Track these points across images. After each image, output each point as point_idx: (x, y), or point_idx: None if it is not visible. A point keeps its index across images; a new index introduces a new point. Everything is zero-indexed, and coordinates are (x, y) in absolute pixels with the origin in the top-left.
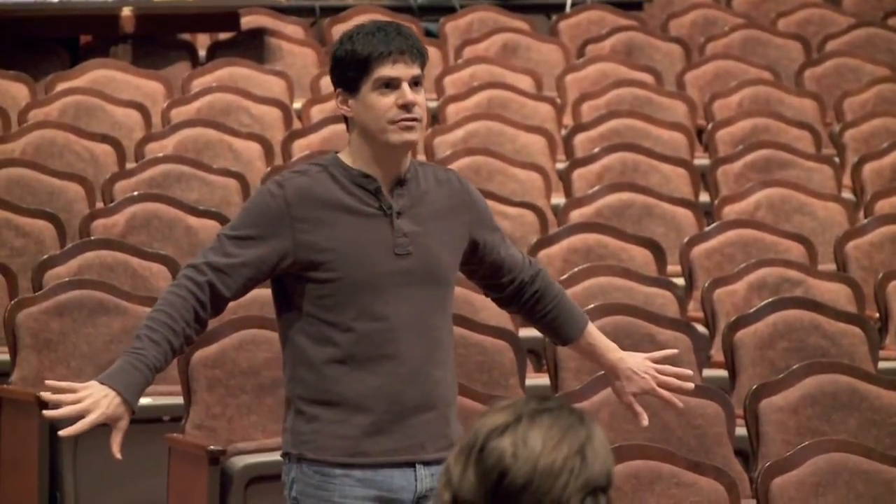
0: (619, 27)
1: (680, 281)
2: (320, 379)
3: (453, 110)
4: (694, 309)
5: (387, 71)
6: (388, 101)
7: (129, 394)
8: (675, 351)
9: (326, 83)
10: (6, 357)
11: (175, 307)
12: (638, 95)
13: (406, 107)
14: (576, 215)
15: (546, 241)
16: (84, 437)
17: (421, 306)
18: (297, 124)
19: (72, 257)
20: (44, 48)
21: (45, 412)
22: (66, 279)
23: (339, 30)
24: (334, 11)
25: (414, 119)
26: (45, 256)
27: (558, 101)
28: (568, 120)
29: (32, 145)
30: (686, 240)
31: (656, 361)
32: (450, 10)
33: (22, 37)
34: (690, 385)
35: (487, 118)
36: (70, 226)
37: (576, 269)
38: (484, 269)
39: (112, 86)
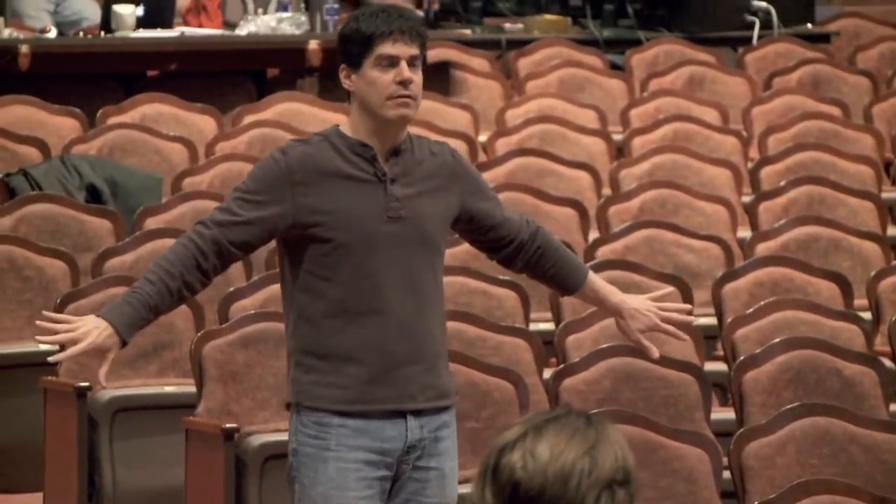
0: (806, 59)
1: (867, 315)
2: (317, 332)
3: (639, 143)
4: (881, 343)
5: (387, 49)
6: (387, 77)
7: (121, 326)
8: (672, 289)
9: (512, 116)
10: (193, 389)
11: (175, 253)
12: (825, 128)
13: (403, 83)
14: (762, 248)
15: (732, 274)
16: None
17: (410, 266)
18: (482, 157)
19: (258, 290)
20: (231, 81)
21: (40, 337)
22: (252, 311)
23: (524, 63)
24: (520, 45)
25: (409, 96)
26: (232, 289)
27: (744, 133)
28: (754, 153)
29: (220, 178)
30: (873, 273)
31: (656, 300)
32: (635, 43)
33: (210, 70)
34: (691, 318)
35: (673, 151)
36: (256, 258)
37: (762, 303)
38: (485, 234)
39: (298, 118)
